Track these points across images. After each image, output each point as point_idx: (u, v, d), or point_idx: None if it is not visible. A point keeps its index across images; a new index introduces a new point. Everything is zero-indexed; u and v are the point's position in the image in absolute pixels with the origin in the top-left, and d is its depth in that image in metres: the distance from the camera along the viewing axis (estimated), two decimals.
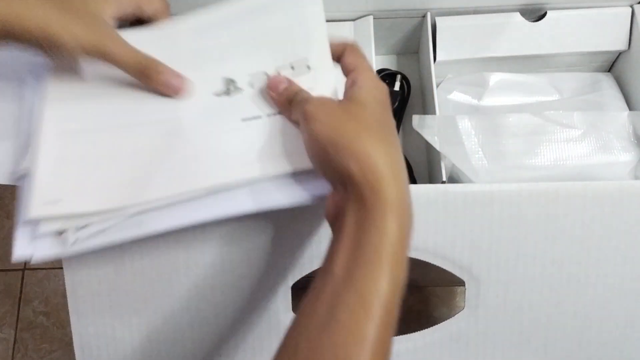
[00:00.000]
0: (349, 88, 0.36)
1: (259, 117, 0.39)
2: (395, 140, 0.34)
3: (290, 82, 0.38)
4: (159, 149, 0.39)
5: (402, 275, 0.31)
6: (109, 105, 0.40)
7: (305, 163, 0.36)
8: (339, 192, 0.33)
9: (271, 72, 0.40)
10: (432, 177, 0.53)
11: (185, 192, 0.37)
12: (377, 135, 0.33)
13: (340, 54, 0.38)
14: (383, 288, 0.30)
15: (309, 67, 0.39)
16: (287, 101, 0.37)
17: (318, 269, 0.31)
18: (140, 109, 0.40)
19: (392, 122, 0.35)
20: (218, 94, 0.40)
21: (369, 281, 0.30)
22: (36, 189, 0.37)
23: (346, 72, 0.37)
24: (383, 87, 0.36)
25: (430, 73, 0.51)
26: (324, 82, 0.39)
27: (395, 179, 0.32)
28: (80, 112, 0.40)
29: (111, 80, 0.40)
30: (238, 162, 0.38)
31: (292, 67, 0.40)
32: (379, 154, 0.32)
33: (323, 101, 0.35)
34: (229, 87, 0.40)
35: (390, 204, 0.31)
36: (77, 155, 0.39)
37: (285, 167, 0.37)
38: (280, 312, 0.43)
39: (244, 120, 0.39)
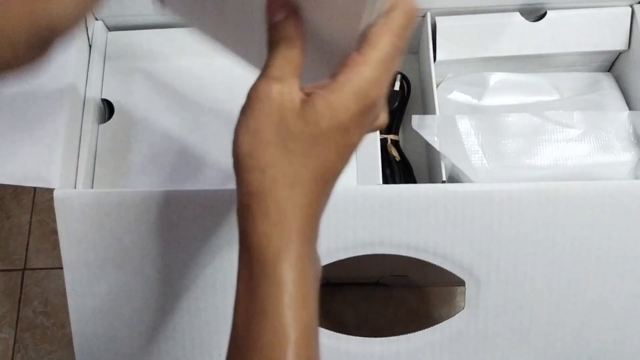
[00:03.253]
0: (331, 79, 0.26)
1: None
2: (330, 179, 0.27)
3: (288, 17, 0.27)
4: None
5: (310, 314, 0.27)
6: None
7: None
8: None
9: None
10: (432, 177, 0.53)
11: None
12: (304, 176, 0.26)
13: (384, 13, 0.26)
14: (290, 338, 0.26)
15: None
16: (270, 39, 0.27)
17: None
18: None
19: (341, 158, 0.27)
20: None
21: (272, 338, 0.26)
22: None
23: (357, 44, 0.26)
24: (369, 99, 0.26)
25: (430, 73, 0.51)
26: None
27: (298, 219, 0.26)
28: None
29: None
30: None
31: None
32: (286, 203, 0.26)
33: (287, 86, 0.26)
34: None
35: (284, 257, 0.26)
36: None
37: None
38: None
39: None
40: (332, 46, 0.27)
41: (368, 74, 0.25)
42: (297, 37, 0.27)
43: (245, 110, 0.27)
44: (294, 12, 0.27)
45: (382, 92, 0.26)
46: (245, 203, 0.27)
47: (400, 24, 0.26)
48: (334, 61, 0.27)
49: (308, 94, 0.26)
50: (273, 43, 0.27)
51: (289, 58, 0.27)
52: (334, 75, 0.26)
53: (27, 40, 0.27)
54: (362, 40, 0.26)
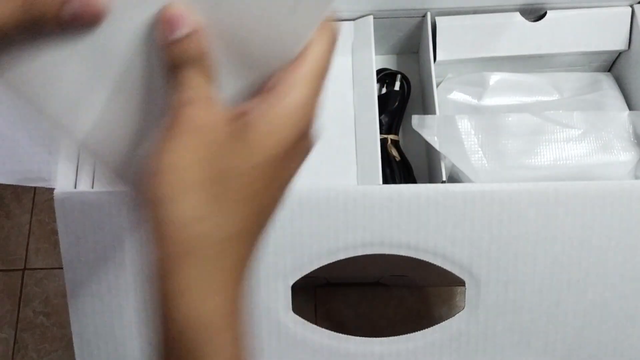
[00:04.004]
0: (262, 95, 0.23)
1: None
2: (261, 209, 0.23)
3: (194, 31, 0.22)
4: None
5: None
6: None
7: None
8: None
9: None
10: (432, 177, 0.53)
11: None
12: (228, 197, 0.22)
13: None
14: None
15: None
16: (171, 61, 0.23)
17: None
18: None
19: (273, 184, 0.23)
20: None
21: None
22: None
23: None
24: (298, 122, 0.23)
25: (430, 73, 0.51)
26: None
27: (228, 288, 0.23)
28: None
29: None
30: None
31: None
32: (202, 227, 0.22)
33: (209, 109, 0.22)
34: None
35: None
36: None
37: None
38: (280, 312, 0.43)
39: None
40: (264, 60, 0.24)
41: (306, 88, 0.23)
42: (205, 56, 0.23)
43: (166, 136, 0.22)
44: (197, 28, 0.22)
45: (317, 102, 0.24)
46: (166, 266, 0.23)
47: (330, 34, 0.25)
48: (262, 74, 0.24)
49: (240, 114, 0.22)
50: (177, 65, 0.22)
51: (201, 78, 0.23)
52: (269, 88, 0.22)
53: None
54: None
